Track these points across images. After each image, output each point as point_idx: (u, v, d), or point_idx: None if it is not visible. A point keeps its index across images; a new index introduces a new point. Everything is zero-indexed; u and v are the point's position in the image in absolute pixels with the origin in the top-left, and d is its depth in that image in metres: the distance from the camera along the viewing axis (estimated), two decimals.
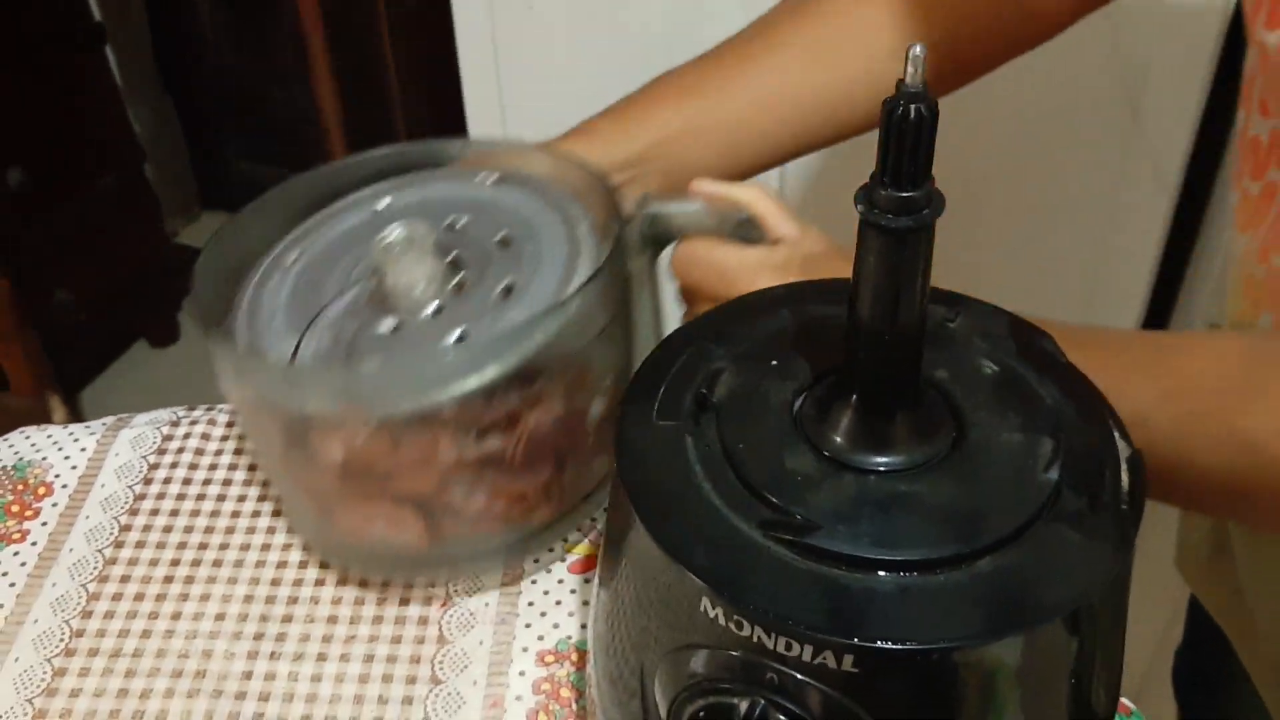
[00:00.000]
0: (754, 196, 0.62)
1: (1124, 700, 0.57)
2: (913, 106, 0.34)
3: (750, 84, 0.70)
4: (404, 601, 0.62)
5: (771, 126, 0.71)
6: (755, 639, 0.38)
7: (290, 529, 0.67)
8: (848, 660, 0.37)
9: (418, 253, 0.58)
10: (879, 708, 0.38)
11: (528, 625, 0.61)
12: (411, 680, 0.59)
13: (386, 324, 0.57)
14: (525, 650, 0.60)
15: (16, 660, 0.60)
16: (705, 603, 0.39)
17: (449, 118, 1.51)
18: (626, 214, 0.60)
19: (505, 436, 0.56)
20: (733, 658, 0.39)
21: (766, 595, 0.38)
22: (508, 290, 0.57)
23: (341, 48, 2.00)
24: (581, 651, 0.60)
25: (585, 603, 0.62)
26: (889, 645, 0.37)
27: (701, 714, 0.40)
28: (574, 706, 0.57)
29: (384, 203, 0.65)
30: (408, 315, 0.57)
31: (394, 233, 0.59)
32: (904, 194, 0.36)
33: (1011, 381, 0.44)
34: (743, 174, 0.70)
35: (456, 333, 0.56)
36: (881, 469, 0.41)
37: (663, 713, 0.43)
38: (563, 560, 0.64)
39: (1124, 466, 0.42)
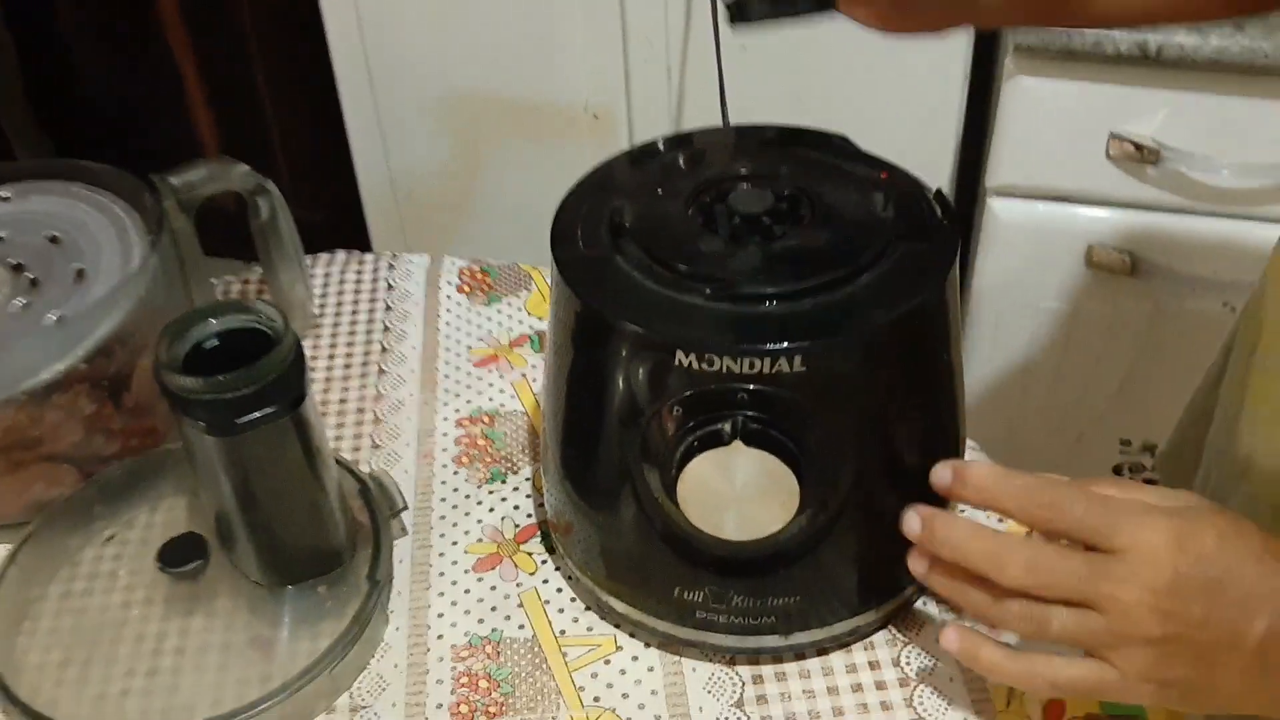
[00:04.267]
0: None
1: (972, 442, 0.72)
2: None
3: None
4: (342, 401, 0.77)
5: None
6: (724, 369, 0.53)
7: None
8: (797, 361, 0.53)
9: None
10: (822, 401, 0.55)
11: (445, 404, 0.77)
12: (356, 450, 0.73)
13: None
14: (445, 419, 0.76)
15: None
16: (679, 355, 0.54)
17: (325, 131, 1.52)
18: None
19: (128, 384, 0.67)
20: (710, 391, 0.54)
21: (724, 334, 0.54)
22: (79, 273, 0.68)
23: (214, 73, 1.95)
24: (491, 415, 0.75)
25: (493, 383, 0.77)
26: (831, 339, 0.54)
27: (696, 444, 0.55)
28: (489, 453, 0.73)
29: None
30: None
31: None
32: None
33: (837, 168, 0.63)
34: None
35: (55, 316, 0.65)
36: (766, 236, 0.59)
37: (671, 462, 0.56)
38: (467, 358, 0.79)
39: (934, 203, 0.61)
